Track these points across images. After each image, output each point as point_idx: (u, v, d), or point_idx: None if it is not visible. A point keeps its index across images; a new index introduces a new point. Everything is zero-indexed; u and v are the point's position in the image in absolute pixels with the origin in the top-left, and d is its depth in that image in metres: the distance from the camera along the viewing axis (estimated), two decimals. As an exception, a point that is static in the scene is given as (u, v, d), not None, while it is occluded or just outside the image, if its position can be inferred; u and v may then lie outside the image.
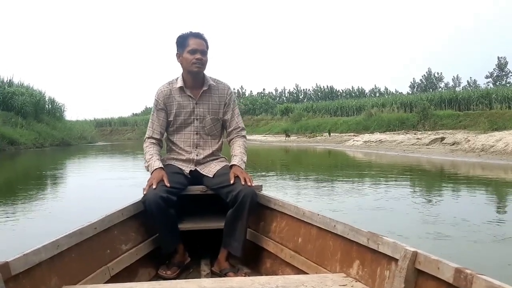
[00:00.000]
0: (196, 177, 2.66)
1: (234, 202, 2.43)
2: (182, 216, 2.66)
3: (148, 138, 2.69)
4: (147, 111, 73.60)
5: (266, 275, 2.30)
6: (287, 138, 29.98)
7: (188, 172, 2.65)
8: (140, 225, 2.46)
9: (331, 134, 29.60)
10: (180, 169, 2.64)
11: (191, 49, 2.57)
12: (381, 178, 8.83)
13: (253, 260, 2.62)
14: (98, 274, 1.96)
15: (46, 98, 33.83)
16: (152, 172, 2.47)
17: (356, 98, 52.49)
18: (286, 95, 70.30)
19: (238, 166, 2.57)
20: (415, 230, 4.28)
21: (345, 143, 23.65)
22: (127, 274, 2.20)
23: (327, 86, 69.04)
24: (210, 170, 2.65)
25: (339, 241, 1.99)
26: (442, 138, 16.68)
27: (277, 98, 66.23)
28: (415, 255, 1.53)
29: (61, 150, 24.70)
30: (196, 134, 2.70)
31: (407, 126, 27.74)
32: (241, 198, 2.40)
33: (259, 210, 2.64)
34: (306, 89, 71.34)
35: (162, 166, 2.50)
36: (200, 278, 2.27)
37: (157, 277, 2.39)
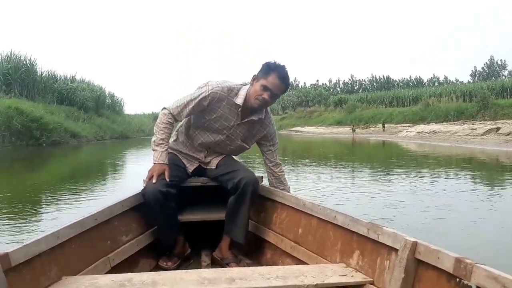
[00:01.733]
0: (198, 172, 2.63)
1: (236, 189, 2.40)
2: (182, 208, 2.66)
3: (170, 113, 2.44)
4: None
5: (267, 265, 2.29)
6: (353, 133, 29.35)
7: (191, 170, 2.61)
8: (140, 217, 2.45)
9: (386, 125, 29.02)
10: (184, 163, 2.60)
11: (266, 85, 2.37)
12: (429, 170, 8.74)
13: (254, 251, 2.63)
14: (99, 265, 1.97)
15: (106, 93, 35.06)
16: (154, 164, 2.38)
17: (414, 88, 50.90)
18: (341, 86, 69.37)
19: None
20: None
21: (398, 134, 23.22)
22: (127, 265, 2.21)
23: (383, 76, 67.52)
24: (213, 163, 2.61)
25: (339, 231, 2.00)
26: (498, 128, 15.96)
27: (331, 89, 65.44)
28: (415, 245, 1.53)
29: (120, 142, 25.73)
30: (218, 145, 2.58)
31: (466, 116, 26.59)
32: (243, 185, 2.38)
33: (260, 201, 2.63)
34: (361, 79, 70.07)
35: (167, 162, 2.39)
36: (200, 269, 2.25)
37: (158, 268, 2.39)
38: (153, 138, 2.44)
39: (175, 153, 2.62)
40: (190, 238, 2.62)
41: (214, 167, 2.60)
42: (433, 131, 20.11)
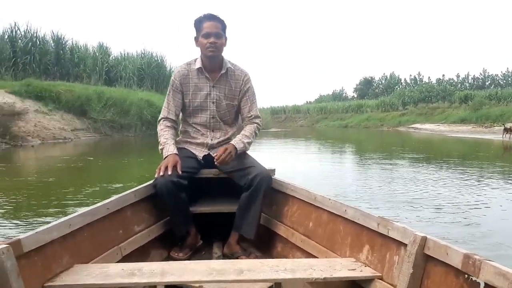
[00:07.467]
0: (209, 161, 2.59)
1: (249, 186, 2.41)
2: (195, 199, 2.66)
3: (164, 119, 2.62)
4: (321, 99, 75.30)
5: (277, 258, 2.28)
6: (506, 134, 20.69)
7: (201, 157, 2.61)
8: (152, 207, 2.46)
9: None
10: (193, 153, 2.61)
11: (205, 33, 2.50)
12: None
13: (264, 243, 2.62)
14: (110, 254, 1.96)
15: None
16: (166, 157, 2.43)
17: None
18: (470, 81, 64.58)
19: (232, 144, 2.51)
20: None
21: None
22: (139, 255, 2.19)
23: (521, 70, 61.39)
24: None
25: (350, 225, 1.99)
26: None
27: (459, 85, 61.13)
28: (424, 240, 1.52)
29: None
30: (212, 118, 2.64)
31: None
32: (257, 182, 2.39)
33: (271, 194, 2.62)
34: (494, 74, 64.42)
35: (177, 152, 2.46)
36: (210, 260, 2.27)
37: (169, 259, 2.38)
38: (159, 144, 2.56)
39: (183, 146, 2.69)
40: (201, 229, 2.64)
41: None
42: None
